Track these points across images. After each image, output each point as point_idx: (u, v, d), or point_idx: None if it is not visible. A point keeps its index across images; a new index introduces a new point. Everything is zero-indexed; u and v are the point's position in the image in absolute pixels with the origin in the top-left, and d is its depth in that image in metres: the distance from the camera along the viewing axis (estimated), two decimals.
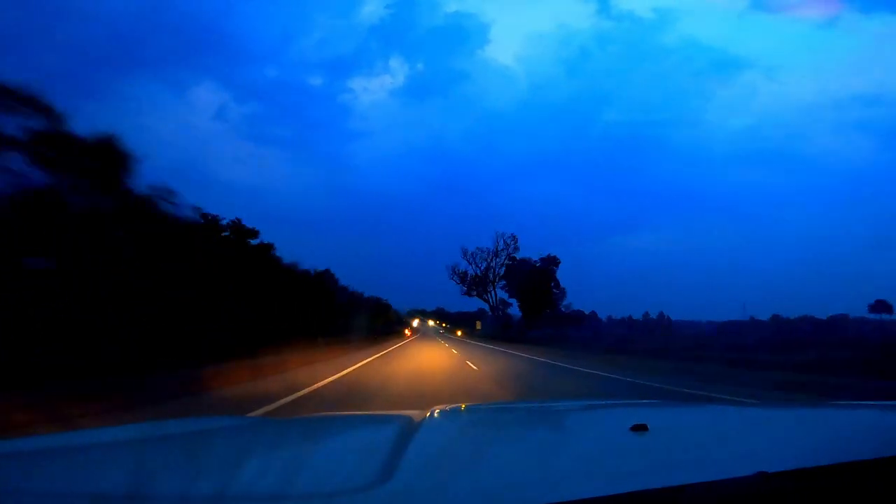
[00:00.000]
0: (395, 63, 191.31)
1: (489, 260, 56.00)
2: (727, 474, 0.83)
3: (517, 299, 55.16)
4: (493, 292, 57.26)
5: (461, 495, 0.82)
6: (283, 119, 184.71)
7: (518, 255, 54.85)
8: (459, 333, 69.64)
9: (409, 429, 1.38)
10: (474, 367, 13.64)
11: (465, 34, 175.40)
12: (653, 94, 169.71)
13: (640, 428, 1.15)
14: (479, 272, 56.60)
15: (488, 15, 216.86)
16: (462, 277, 57.33)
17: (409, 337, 51.52)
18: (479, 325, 72.90)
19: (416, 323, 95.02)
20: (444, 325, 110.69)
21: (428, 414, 1.65)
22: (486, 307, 61.01)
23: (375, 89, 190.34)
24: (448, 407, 2.06)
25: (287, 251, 29.54)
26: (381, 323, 56.64)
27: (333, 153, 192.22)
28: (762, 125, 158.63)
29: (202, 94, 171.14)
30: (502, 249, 55.12)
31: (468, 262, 56.75)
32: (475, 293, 57.62)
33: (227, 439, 1.38)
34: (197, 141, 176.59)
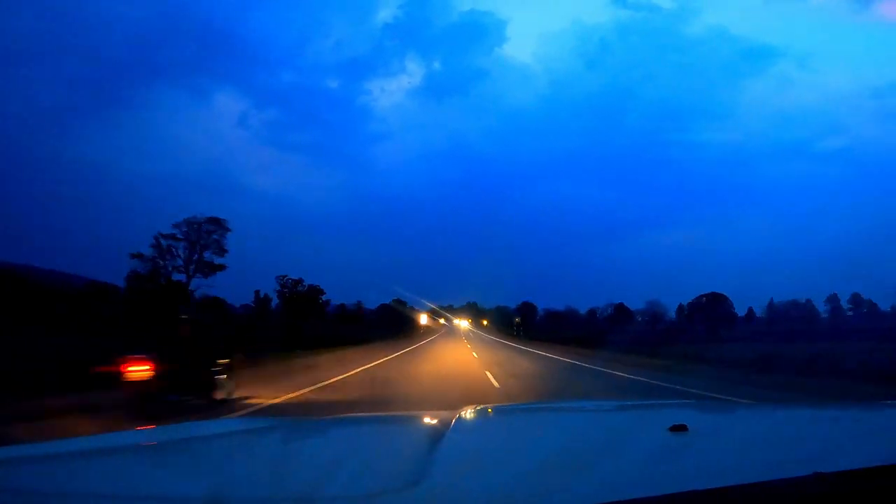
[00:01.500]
0: (412, 63, 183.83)
1: None
2: (778, 475, 0.77)
3: None
4: None
5: (497, 498, 0.79)
6: (303, 124, 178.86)
7: None
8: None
9: (440, 429, 1.37)
10: None
11: (481, 31, 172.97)
12: (679, 86, 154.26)
13: (679, 428, 1.10)
14: None
15: (504, 13, 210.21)
16: None
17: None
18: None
19: (424, 320, 70.31)
20: (483, 322, 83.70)
21: (458, 414, 1.63)
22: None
23: (393, 90, 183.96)
24: (479, 407, 2.03)
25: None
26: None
27: (354, 157, 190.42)
28: (796, 115, 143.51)
29: (223, 101, 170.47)
30: None
31: None
32: None
33: (259, 442, 1.37)
34: (222, 149, 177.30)
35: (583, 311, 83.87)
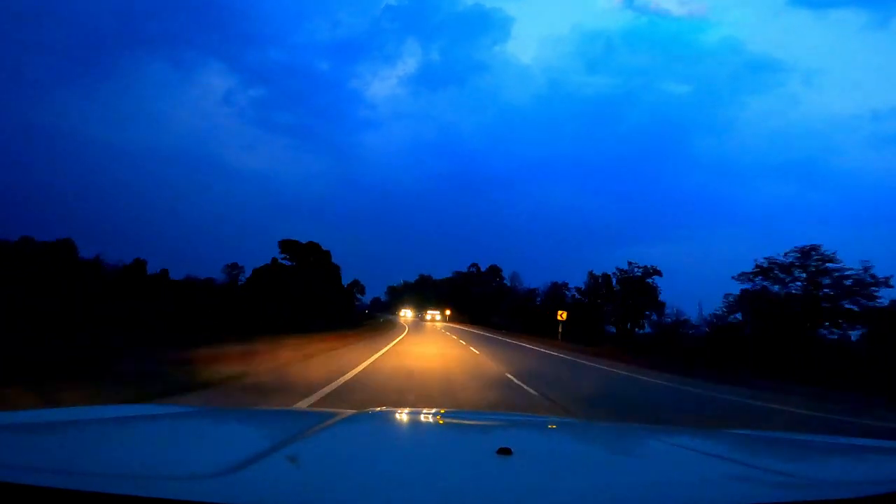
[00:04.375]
0: (410, 49, 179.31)
1: None
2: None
3: None
4: None
5: (286, 493, 0.82)
6: (290, 104, 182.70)
7: None
8: None
9: (314, 427, 1.44)
10: None
11: (486, 25, 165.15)
12: (680, 97, 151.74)
13: (504, 452, 1.12)
14: None
15: (510, 11, 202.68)
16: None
17: None
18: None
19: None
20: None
21: (345, 415, 1.68)
22: None
23: (387, 75, 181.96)
24: (382, 409, 2.12)
25: None
26: None
27: (340, 142, 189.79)
28: (795, 135, 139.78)
29: (209, 77, 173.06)
30: None
31: None
32: None
33: (154, 426, 1.43)
34: (205, 125, 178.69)
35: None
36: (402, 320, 61.24)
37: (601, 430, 1.97)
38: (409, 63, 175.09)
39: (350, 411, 1.81)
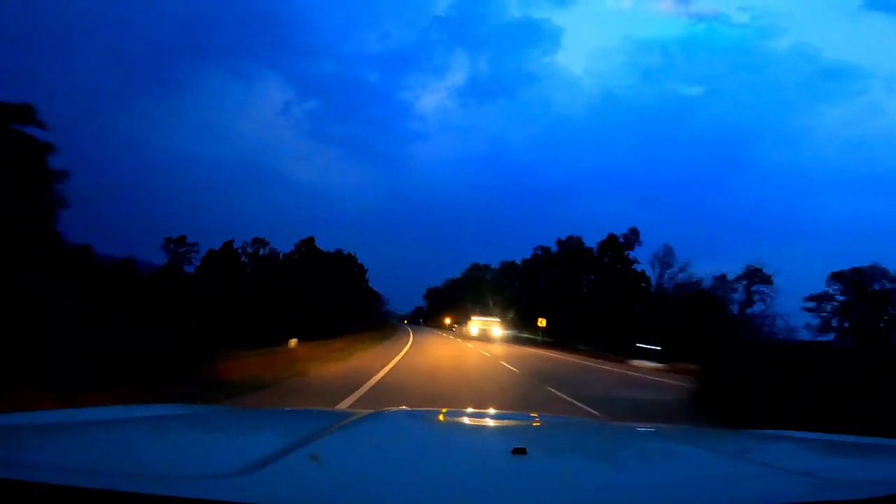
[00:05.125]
0: (458, 60, 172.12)
1: None
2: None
3: None
4: None
5: (306, 493, 0.82)
6: (342, 116, 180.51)
7: None
8: None
9: (333, 426, 1.43)
10: None
11: (535, 35, 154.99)
12: (746, 106, 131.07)
13: (519, 451, 1.10)
14: None
15: (560, 20, 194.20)
16: None
17: None
18: None
19: None
20: None
21: (362, 414, 1.70)
22: None
23: (435, 87, 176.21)
24: (400, 409, 2.16)
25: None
26: None
27: (389, 153, 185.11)
28: (878, 144, 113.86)
29: (266, 90, 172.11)
30: None
31: None
32: None
33: (166, 426, 1.42)
34: (261, 136, 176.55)
35: None
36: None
37: (616, 429, 2.04)
38: (458, 75, 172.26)
39: (367, 411, 1.85)
